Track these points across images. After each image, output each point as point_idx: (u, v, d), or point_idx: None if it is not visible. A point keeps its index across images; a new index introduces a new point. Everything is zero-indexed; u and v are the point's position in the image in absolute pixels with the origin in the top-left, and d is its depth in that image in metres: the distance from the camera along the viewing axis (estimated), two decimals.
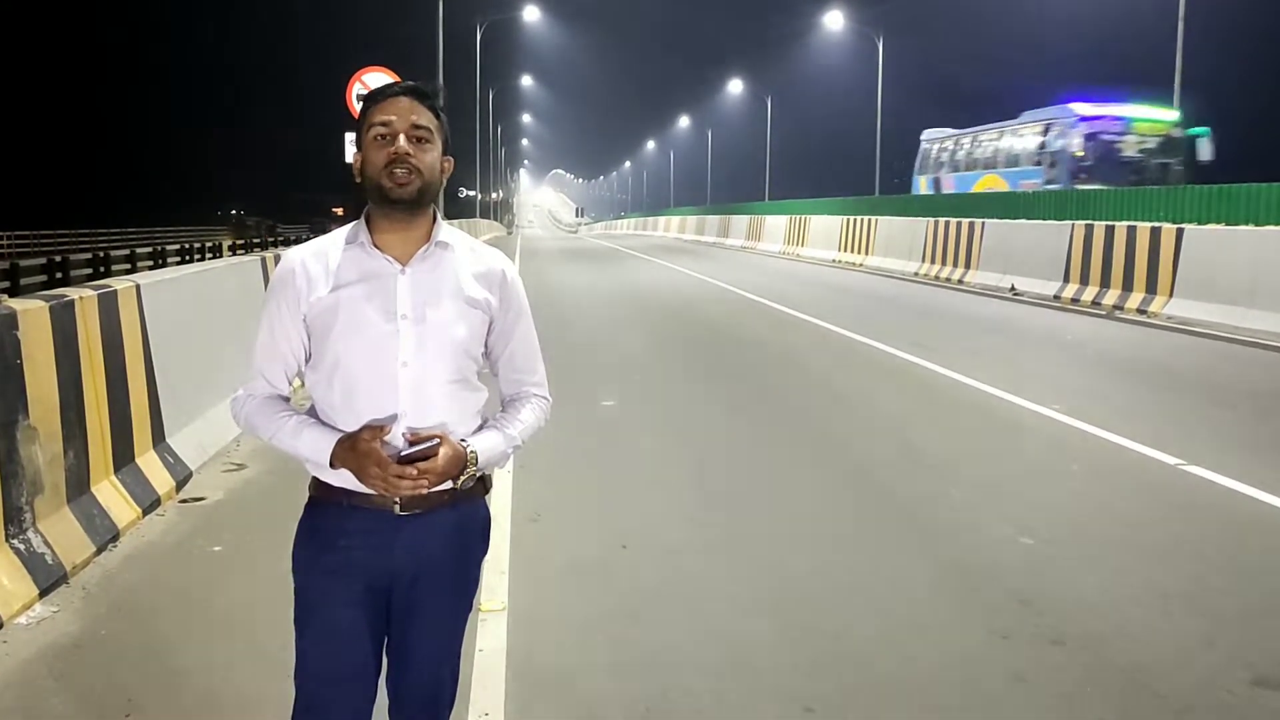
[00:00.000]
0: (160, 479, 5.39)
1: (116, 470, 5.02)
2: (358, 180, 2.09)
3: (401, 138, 2.03)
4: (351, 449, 2.01)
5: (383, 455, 1.99)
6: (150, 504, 5.17)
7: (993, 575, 4.45)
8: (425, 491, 2.02)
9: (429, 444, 2.00)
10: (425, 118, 2.06)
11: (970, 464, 6.31)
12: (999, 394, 8.45)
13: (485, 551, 2.22)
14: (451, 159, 2.14)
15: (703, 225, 50.71)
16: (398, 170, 2.02)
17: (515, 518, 5.16)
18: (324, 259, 2.10)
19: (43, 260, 21.77)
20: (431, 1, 31.00)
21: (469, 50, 50.12)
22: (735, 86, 79.90)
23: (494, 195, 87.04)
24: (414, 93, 2.07)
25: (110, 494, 4.87)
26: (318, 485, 2.11)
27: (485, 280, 2.15)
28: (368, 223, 2.11)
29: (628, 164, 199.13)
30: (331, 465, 2.04)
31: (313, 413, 2.12)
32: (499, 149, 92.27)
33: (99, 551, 4.57)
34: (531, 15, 49.69)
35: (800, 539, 4.95)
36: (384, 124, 2.04)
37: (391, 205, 2.05)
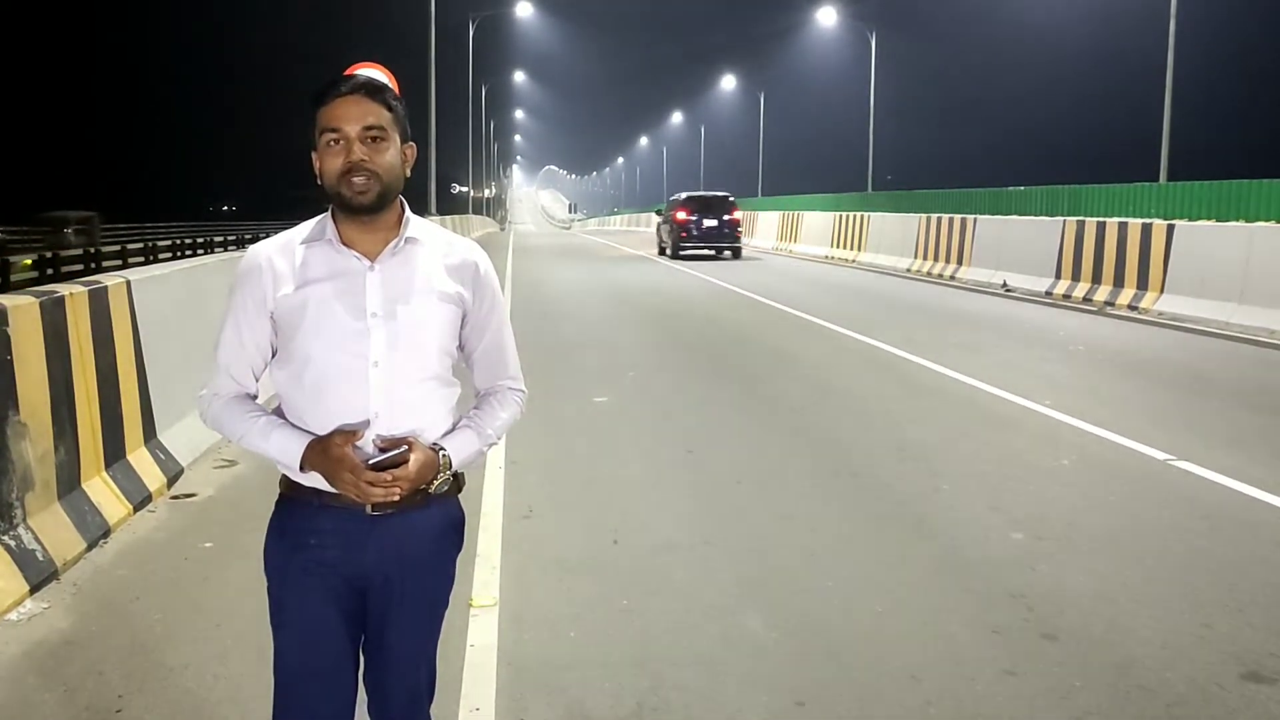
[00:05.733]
0: (151, 475, 5.38)
1: (108, 466, 5.01)
2: (319, 183, 2.02)
3: (355, 145, 1.96)
4: (323, 454, 1.97)
5: (355, 461, 1.95)
6: (141, 500, 5.16)
7: (983, 570, 4.46)
8: (398, 498, 1.99)
9: (399, 451, 1.97)
10: (378, 115, 1.99)
11: (961, 459, 6.33)
12: (990, 389, 8.47)
13: (459, 549, 2.18)
14: (413, 145, 2.08)
15: None
16: (355, 179, 1.96)
17: (507, 513, 5.17)
18: (290, 255, 2.05)
19: (34, 256, 21.72)
20: None
21: (461, 46, 50.07)
22: (728, 82, 79.94)
23: (486, 191, 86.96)
24: (363, 89, 1.99)
25: (101, 490, 4.86)
26: (288, 483, 2.07)
27: (458, 274, 2.09)
28: (334, 218, 2.05)
29: (620, 160, 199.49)
30: (301, 469, 2.01)
31: (280, 409, 2.08)
32: (491, 145, 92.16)
33: (90, 548, 4.56)
34: (524, 11, 49.68)
35: (791, 533, 4.95)
36: (334, 130, 1.97)
37: (353, 212, 2.01)
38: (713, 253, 28.14)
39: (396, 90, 2.07)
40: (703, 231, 27.81)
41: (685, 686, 3.39)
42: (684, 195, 29.49)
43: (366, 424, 2.01)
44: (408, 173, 2.06)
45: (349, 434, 1.98)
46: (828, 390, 8.73)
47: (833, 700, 3.33)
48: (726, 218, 28.00)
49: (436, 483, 2.04)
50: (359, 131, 1.97)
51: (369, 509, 2.02)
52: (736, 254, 28.11)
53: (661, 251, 29.80)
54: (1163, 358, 10.46)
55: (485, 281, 2.14)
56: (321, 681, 2.05)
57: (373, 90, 1.99)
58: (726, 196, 29.25)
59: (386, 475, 1.96)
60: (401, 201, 2.07)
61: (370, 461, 1.96)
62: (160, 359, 5.72)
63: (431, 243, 2.09)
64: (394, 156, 2.01)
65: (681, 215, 28.18)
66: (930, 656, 3.63)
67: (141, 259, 24.77)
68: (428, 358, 2.05)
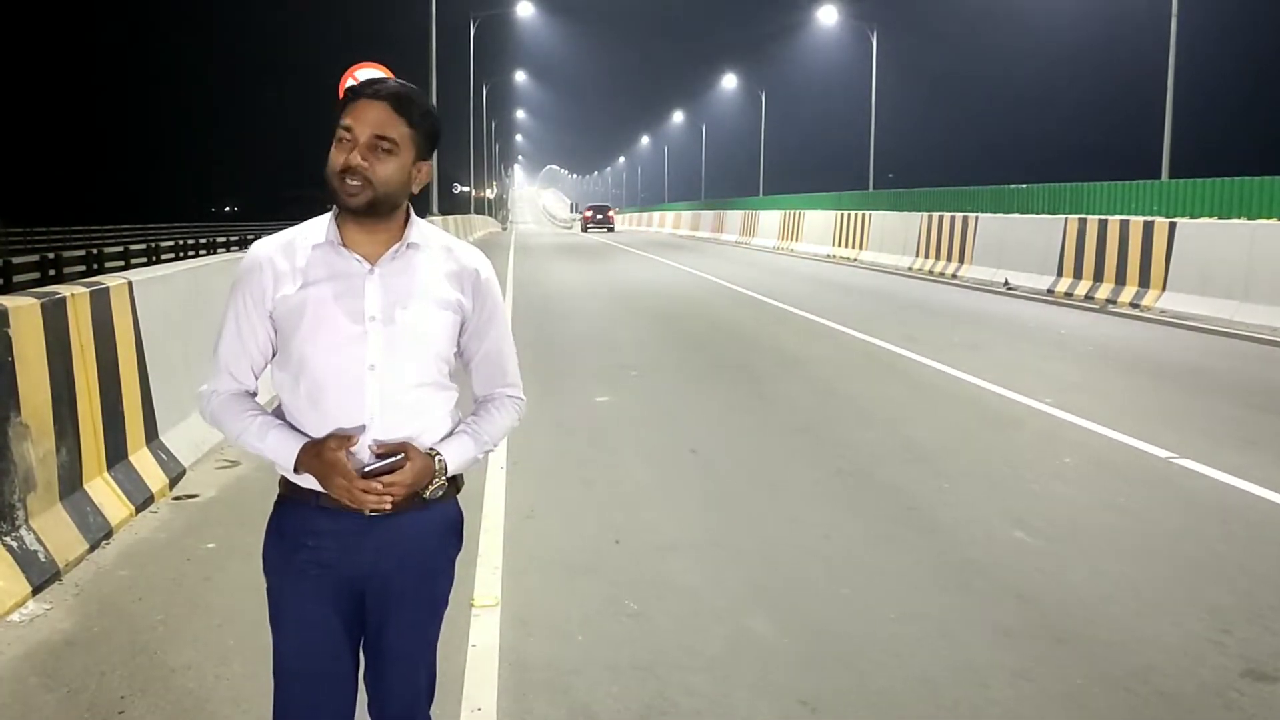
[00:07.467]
0: (153, 476, 5.36)
1: (109, 467, 4.99)
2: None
3: (360, 148, 1.95)
4: (317, 457, 1.96)
5: (348, 467, 1.94)
6: (143, 501, 5.14)
7: (988, 570, 4.44)
8: (389, 507, 1.98)
9: (394, 459, 1.96)
10: (395, 129, 1.96)
11: (964, 458, 6.31)
12: (992, 388, 8.45)
13: (458, 549, 2.17)
14: (428, 164, 2.05)
15: (697, 221, 50.73)
16: (349, 180, 1.95)
17: (509, 514, 5.15)
18: (292, 254, 2.03)
19: (35, 257, 21.73)
20: None
21: (462, 45, 50.04)
22: (729, 82, 79.87)
23: (488, 191, 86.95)
24: (392, 98, 1.97)
25: (103, 491, 4.85)
26: (286, 484, 2.06)
27: (458, 280, 2.08)
28: (337, 219, 2.04)
29: (622, 160, 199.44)
30: (296, 470, 2.00)
31: (280, 410, 2.07)
32: (493, 145, 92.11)
33: (92, 549, 4.54)
34: (525, 10, 49.66)
35: (795, 534, 4.93)
36: (348, 128, 1.96)
37: (345, 210, 2.00)
38: (605, 230, 58.00)
39: None
40: (595, 221, 60.32)
41: (691, 689, 3.37)
42: (587, 205, 66.79)
43: (362, 428, 2.00)
44: (415, 190, 2.04)
45: (344, 439, 1.97)
46: (830, 390, 8.71)
47: (843, 705, 3.30)
48: (607, 214, 61.65)
49: (431, 488, 2.03)
50: (370, 137, 1.95)
51: (367, 511, 2.00)
52: (611, 229, 59.18)
53: (582, 229, 61.04)
54: (1165, 356, 10.44)
55: (486, 288, 2.12)
56: (321, 683, 2.05)
57: (400, 102, 1.97)
58: (607, 205, 67.20)
59: (378, 484, 1.94)
60: (407, 206, 2.06)
61: (365, 469, 1.95)
62: (162, 359, 5.70)
63: (433, 248, 2.08)
64: (397, 171, 1.98)
65: (586, 214, 63.31)
66: (940, 658, 3.60)
67: (144, 259, 24.75)
68: (425, 363, 2.04)
